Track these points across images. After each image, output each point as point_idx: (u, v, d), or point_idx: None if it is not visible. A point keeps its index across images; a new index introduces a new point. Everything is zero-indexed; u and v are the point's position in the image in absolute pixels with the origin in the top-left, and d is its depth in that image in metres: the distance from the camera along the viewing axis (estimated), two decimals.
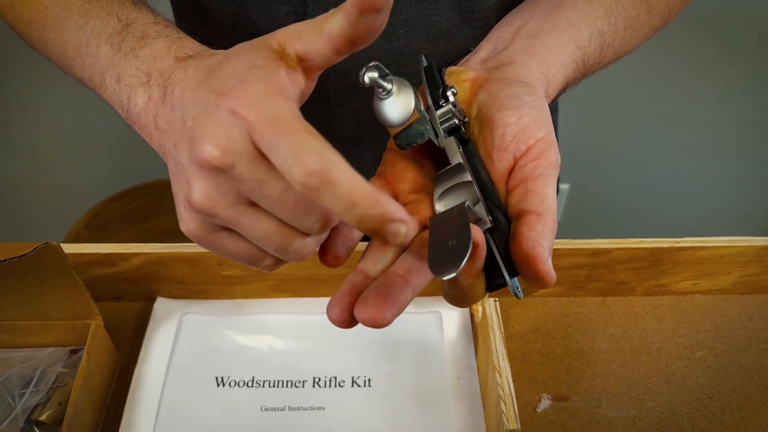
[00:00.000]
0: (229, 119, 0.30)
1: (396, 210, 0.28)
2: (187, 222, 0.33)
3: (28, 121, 1.41)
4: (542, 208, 0.33)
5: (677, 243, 0.57)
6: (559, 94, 0.44)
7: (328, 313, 0.33)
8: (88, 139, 1.42)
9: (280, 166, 0.28)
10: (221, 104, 0.30)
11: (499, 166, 0.36)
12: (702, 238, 0.57)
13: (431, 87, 0.38)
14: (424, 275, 0.33)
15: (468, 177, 0.35)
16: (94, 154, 1.46)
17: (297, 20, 0.55)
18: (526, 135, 0.35)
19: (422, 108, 0.36)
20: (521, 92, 0.37)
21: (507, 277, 0.33)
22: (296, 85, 0.33)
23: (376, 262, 0.35)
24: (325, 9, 0.54)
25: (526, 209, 0.33)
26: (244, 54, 0.33)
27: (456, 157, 0.36)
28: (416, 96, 0.35)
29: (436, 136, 0.37)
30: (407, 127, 0.35)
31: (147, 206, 1.20)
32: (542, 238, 0.32)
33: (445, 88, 0.37)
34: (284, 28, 0.34)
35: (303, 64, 0.33)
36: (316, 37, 0.33)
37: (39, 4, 0.45)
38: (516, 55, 0.41)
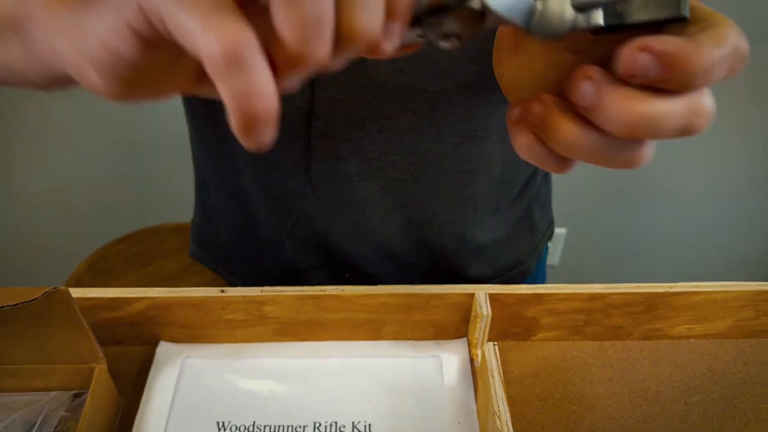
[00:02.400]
0: None
1: None
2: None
3: (30, 166, 1.43)
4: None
5: (671, 288, 0.58)
6: None
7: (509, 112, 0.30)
8: (90, 184, 1.44)
9: None
10: None
11: None
12: (695, 283, 0.58)
13: None
14: None
15: None
16: (95, 200, 1.47)
17: None
18: None
19: None
20: None
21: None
22: None
23: None
24: None
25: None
26: None
27: None
28: None
29: None
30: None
31: (148, 251, 1.21)
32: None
33: None
34: None
35: None
36: None
37: None
38: None
